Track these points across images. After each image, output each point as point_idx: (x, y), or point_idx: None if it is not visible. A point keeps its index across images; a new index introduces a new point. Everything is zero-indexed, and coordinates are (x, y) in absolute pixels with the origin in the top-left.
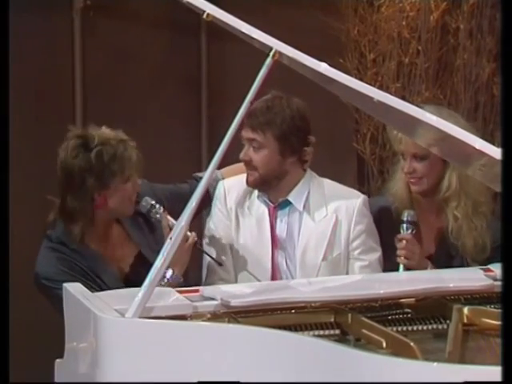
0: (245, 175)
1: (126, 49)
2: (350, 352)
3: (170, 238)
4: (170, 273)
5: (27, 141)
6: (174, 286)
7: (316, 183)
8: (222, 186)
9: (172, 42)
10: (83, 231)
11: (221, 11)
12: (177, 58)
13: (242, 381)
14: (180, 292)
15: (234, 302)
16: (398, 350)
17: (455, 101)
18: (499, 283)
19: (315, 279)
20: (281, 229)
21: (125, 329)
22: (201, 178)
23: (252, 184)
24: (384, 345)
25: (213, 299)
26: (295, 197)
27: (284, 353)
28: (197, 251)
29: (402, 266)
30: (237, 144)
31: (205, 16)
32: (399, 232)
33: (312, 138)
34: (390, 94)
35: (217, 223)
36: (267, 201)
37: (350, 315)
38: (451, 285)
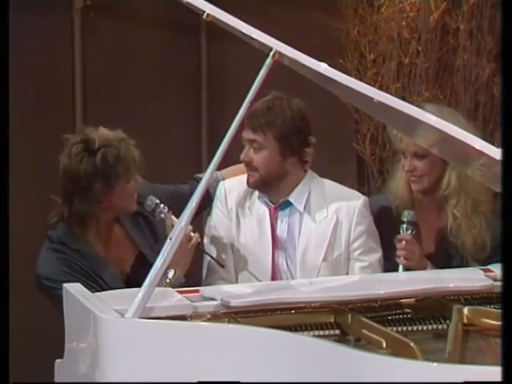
0: (245, 176)
1: (126, 49)
2: (350, 352)
3: (170, 239)
4: (171, 273)
5: (27, 141)
6: (175, 287)
7: (317, 184)
8: (222, 187)
9: (172, 42)
10: (89, 232)
11: (221, 11)
12: (177, 58)
13: (241, 381)
14: (180, 292)
15: (234, 303)
16: (398, 350)
17: (455, 101)
18: (499, 283)
19: (315, 279)
20: (281, 229)
21: (125, 329)
22: (201, 178)
23: (252, 185)
24: (384, 345)
25: (213, 299)
26: (296, 197)
27: (284, 353)
28: (198, 251)
29: (401, 267)
30: (237, 145)
31: (205, 16)
32: (399, 231)
33: (312, 139)
34: (390, 94)
35: (217, 223)
36: (268, 201)
37: (350, 315)
38: (451, 285)
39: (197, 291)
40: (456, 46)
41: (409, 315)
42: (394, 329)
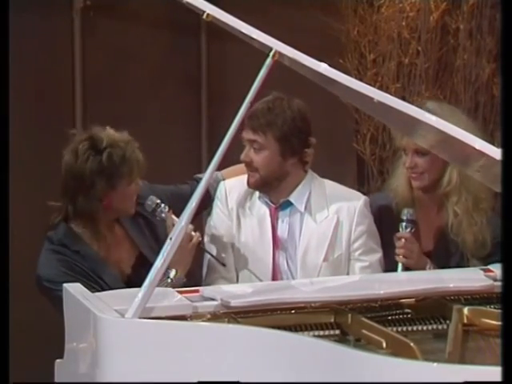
0: (246, 176)
1: (126, 49)
2: (350, 352)
3: (170, 239)
4: (173, 273)
5: (27, 141)
6: (177, 286)
7: (317, 184)
8: (223, 187)
9: (172, 42)
10: (89, 233)
11: (221, 11)
12: (177, 58)
13: (241, 381)
14: (180, 292)
15: (234, 303)
16: (398, 350)
17: (455, 101)
18: (499, 283)
19: (315, 279)
20: (282, 229)
21: (125, 329)
22: (201, 179)
23: (253, 185)
24: (384, 345)
25: (213, 299)
26: (296, 198)
27: (284, 353)
28: (198, 251)
29: (400, 265)
30: (237, 145)
31: (205, 16)
32: (398, 229)
33: (313, 140)
34: (390, 94)
35: (218, 223)
36: (268, 202)
37: (349, 315)
38: (451, 285)
39: (197, 291)
40: (456, 46)
41: (409, 315)
42: (394, 329)
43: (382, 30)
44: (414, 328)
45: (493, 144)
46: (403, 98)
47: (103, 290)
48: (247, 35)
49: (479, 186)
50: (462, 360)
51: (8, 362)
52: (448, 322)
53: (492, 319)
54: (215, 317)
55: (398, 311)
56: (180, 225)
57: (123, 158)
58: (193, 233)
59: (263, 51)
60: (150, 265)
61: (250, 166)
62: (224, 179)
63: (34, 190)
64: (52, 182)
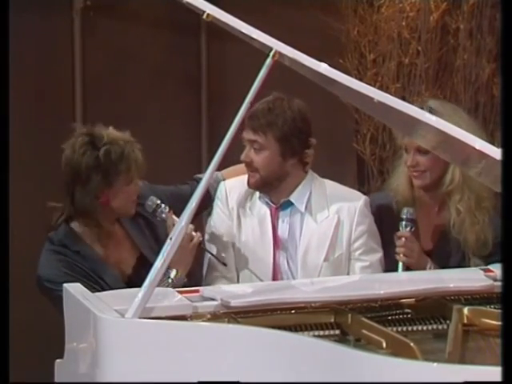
0: (246, 176)
1: (126, 49)
2: (350, 352)
3: (170, 239)
4: (173, 273)
5: (27, 141)
6: (177, 286)
7: (318, 184)
8: (223, 187)
9: (172, 42)
10: (89, 233)
11: (221, 11)
12: (177, 58)
13: (241, 381)
14: (180, 292)
15: (234, 303)
16: (398, 350)
17: (455, 101)
18: (499, 283)
19: (315, 279)
20: (282, 229)
21: (125, 329)
22: (201, 179)
23: (253, 186)
24: (384, 345)
25: (213, 299)
26: (297, 198)
27: (284, 353)
28: (198, 250)
29: (401, 264)
30: (237, 145)
31: (205, 16)
32: (399, 229)
33: (313, 140)
34: (390, 94)
35: (218, 223)
36: (269, 202)
37: (349, 315)
38: (451, 285)
39: (197, 291)
40: (456, 46)
41: (409, 315)
42: (394, 329)
43: (382, 30)
44: (414, 328)
45: (493, 144)
46: (403, 98)
47: (104, 290)
48: (247, 35)
49: (481, 184)
50: (462, 360)
51: (8, 362)
52: (448, 322)
53: (492, 319)
54: (215, 317)
55: (398, 311)
56: (180, 225)
57: (121, 155)
58: (193, 233)
59: (263, 51)
60: (151, 265)
61: (251, 167)
62: (224, 179)
63: (34, 189)
64: (52, 182)
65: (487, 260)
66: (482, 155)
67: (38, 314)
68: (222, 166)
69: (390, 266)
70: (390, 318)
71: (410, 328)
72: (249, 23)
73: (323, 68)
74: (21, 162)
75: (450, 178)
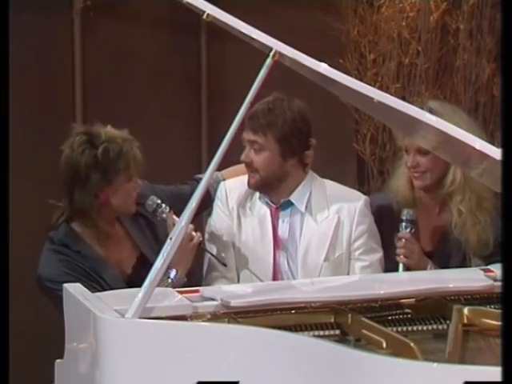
0: (246, 176)
1: (126, 49)
2: (350, 352)
3: (170, 239)
4: (173, 273)
5: (27, 141)
6: (177, 286)
7: (318, 184)
8: (223, 187)
9: (172, 42)
10: (90, 233)
11: (221, 11)
12: (177, 58)
13: (241, 381)
14: (180, 292)
15: (234, 303)
16: (398, 350)
17: (455, 101)
18: (499, 284)
19: (315, 279)
20: (283, 229)
21: (125, 329)
22: (201, 179)
23: (253, 186)
24: (384, 345)
25: (213, 299)
26: (297, 198)
27: (284, 353)
28: (199, 250)
29: (401, 265)
30: (237, 145)
31: (205, 16)
32: (399, 230)
33: (313, 141)
34: (390, 94)
35: (219, 223)
36: (269, 202)
37: (350, 315)
38: (451, 285)
39: (197, 291)
40: (456, 46)
41: (409, 315)
42: (394, 329)
43: (382, 30)
44: (414, 328)
45: (493, 144)
46: (403, 98)
47: (104, 289)
48: (247, 35)
49: (482, 184)
50: (462, 360)
51: (8, 362)
52: (448, 322)
53: (492, 319)
54: (215, 317)
55: (398, 311)
56: (180, 225)
57: (119, 153)
58: (193, 233)
59: (263, 51)
60: (151, 265)
61: (251, 167)
62: (224, 179)
63: (34, 189)
64: (52, 182)
65: (488, 260)
66: (483, 156)
67: (38, 314)
68: (221, 166)
69: (390, 266)
70: (390, 318)
71: (410, 328)
72: (249, 23)
73: (323, 68)
74: (21, 161)
75: (452, 179)
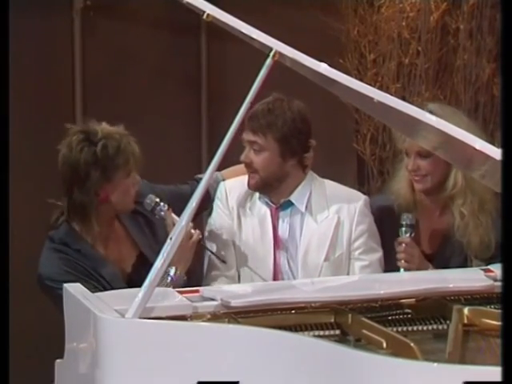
0: (246, 176)
1: (126, 49)
2: (350, 352)
3: (170, 239)
4: (173, 271)
5: (27, 141)
6: (177, 284)
7: (318, 184)
8: (223, 187)
9: (172, 43)
10: (89, 231)
11: (221, 11)
12: (177, 58)
13: (241, 381)
14: (180, 292)
15: (234, 303)
16: (398, 350)
17: (455, 101)
18: (499, 284)
19: (315, 279)
20: (283, 229)
21: (125, 329)
22: (202, 179)
23: (253, 187)
24: (384, 345)
25: (213, 299)
26: (297, 198)
27: (284, 353)
28: (199, 250)
29: (402, 270)
30: (237, 145)
31: (205, 16)
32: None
33: (313, 142)
34: (390, 94)
35: (219, 223)
36: (269, 202)
37: (350, 315)
38: (451, 285)
39: (197, 291)
40: (456, 46)
41: (409, 315)
42: (394, 329)
43: (382, 30)
44: (414, 328)
45: (493, 144)
46: (403, 98)
47: (104, 288)
48: (247, 35)
49: (484, 186)
50: (463, 360)
51: (8, 362)
52: (448, 322)
53: (492, 319)
54: (215, 317)
55: (398, 311)
56: (180, 225)
57: (118, 149)
58: (193, 230)
59: (263, 51)
60: (150, 264)
61: (250, 167)
62: (224, 180)
63: (34, 189)
64: (52, 182)
65: (489, 262)
66: (485, 157)
67: (38, 314)
68: (221, 166)
69: (390, 267)
70: (390, 318)
71: (410, 328)
72: (249, 23)
73: (323, 68)
74: (21, 161)
75: (453, 183)
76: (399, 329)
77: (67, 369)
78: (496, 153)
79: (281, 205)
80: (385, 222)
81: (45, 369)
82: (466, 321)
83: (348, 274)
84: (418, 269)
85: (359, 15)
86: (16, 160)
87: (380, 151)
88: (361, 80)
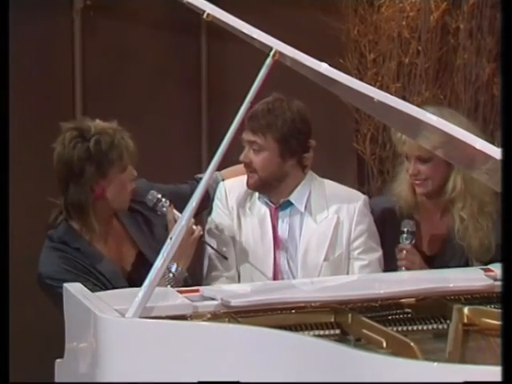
0: (245, 176)
1: (126, 49)
2: (350, 352)
3: (171, 238)
4: (174, 267)
5: (27, 141)
6: (178, 280)
7: (317, 184)
8: (222, 187)
9: (172, 43)
10: (88, 229)
11: (221, 11)
12: (177, 58)
13: (242, 381)
14: (180, 292)
15: (235, 302)
16: (398, 349)
17: (455, 101)
18: (499, 283)
19: (315, 279)
20: (282, 229)
21: (125, 329)
22: (201, 179)
23: (252, 186)
24: (384, 345)
25: (213, 299)
26: (296, 198)
27: (284, 353)
28: (200, 250)
29: None
30: (237, 145)
31: (205, 16)
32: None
33: (312, 142)
34: (390, 94)
35: (219, 223)
36: (268, 202)
37: (350, 315)
38: (451, 285)
39: (197, 291)
40: (456, 46)
41: (409, 315)
42: (394, 328)
43: (382, 29)
44: (415, 328)
45: (493, 144)
46: (403, 98)
47: (104, 285)
48: (248, 35)
49: (484, 189)
50: (463, 360)
51: (8, 362)
52: (448, 321)
53: (492, 319)
54: (215, 316)
55: (398, 311)
56: (180, 225)
57: (111, 144)
58: (194, 227)
59: (263, 51)
60: (150, 263)
61: (249, 167)
62: (223, 180)
63: (34, 189)
64: (52, 182)
65: (489, 265)
66: (487, 157)
67: (38, 314)
68: (221, 166)
69: (391, 267)
70: (390, 317)
71: (410, 328)
72: (249, 23)
73: (323, 68)
74: (21, 161)
75: (452, 186)
76: (399, 328)
77: (67, 369)
78: (496, 152)
79: (280, 205)
80: (386, 223)
81: (45, 369)
82: (466, 320)
83: (347, 273)
84: None
85: (359, 15)
86: (16, 160)
87: (380, 151)
88: (361, 80)
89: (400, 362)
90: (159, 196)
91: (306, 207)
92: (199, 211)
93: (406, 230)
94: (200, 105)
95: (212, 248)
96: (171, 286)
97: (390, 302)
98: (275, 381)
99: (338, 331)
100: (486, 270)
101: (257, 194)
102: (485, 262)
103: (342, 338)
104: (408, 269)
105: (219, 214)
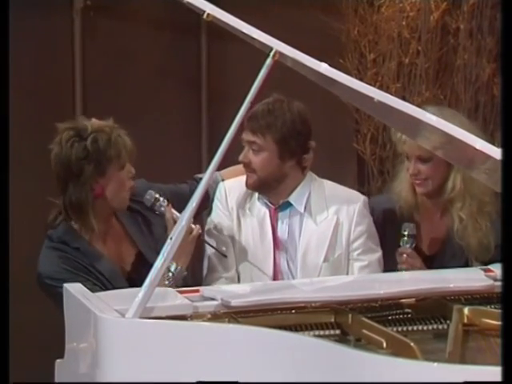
0: (245, 177)
1: (127, 49)
2: (350, 352)
3: (171, 239)
4: (173, 266)
5: (27, 141)
6: (178, 279)
7: (316, 185)
8: (222, 187)
9: (172, 43)
10: (87, 229)
11: (221, 11)
12: (177, 58)
13: (241, 381)
14: (180, 292)
15: (235, 302)
16: (398, 350)
17: (455, 101)
18: (499, 283)
19: (315, 279)
20: (282, 230)
21: (125, 329)
22: (201, 179)
23: (251, 186)
24: (384, 345)
25: (213, 299)
26: (296, 198)
27: (284, 353)
28: (199, 250)
29: None
30: (237, 145)
31: (205, 16)
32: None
33: (312, 144)
34: (391, 94)
35: (218, 224)
36: (268, 203)
37: (350, 315)
38: (451, 285)
39: (197, 291)
40: (456, 46)
41: (409, 315)
42: (395, 329)
43: (382, 29)
44: (415, 328)
45: (493, 144)
46: (403, 98)
47: (104, 285)
48: (248, 35)
49: (483, 189)
50: (463, 360)
51: (8, 362)
52: (448, 321)
53: (492, 319)
54: (215, 317)
55: (398, 311)
56: (180, 225)
57: (109, 142)
58: (192, 225)
59: (263, 51)
60: (149, 263)
61: (249, 167)
62: (223, 180)
63: (34, 189)
64: (52, 182)
65: (489, 265)
66: (487, 157)
67: (38, 314)
68: (221, 167)
69: (390, 268)
70: (390, 317)
71: (410, 328)
72: (249, 23)
73: (324, 68)
74: (21, 161)
75: (451, 186)
76: (399, 329)
77: (67, 369)
78: (496, 152)
79: (280, 206)
80: (387, 223)
81: (45, 369)
82: (466, 320)
83: (347, 274)
84: None
85: (359, 15)
86: (16, 160)
87: (380, 151)
88: (361, 80)
89: (400, 362)
90: (157, 196)
91: (305, 208)
92: (199, 211)
93: (406, 233)
94: (200, 105)
95: (211, 246)
96: (171, 285)
97: (390, 303)
98: (275, 381)
99: (338, 331)
100: (485, 271)
101: (256, 194)
102: (484, 261)
103: (342, 339)
104: None
105: (219, 215)
